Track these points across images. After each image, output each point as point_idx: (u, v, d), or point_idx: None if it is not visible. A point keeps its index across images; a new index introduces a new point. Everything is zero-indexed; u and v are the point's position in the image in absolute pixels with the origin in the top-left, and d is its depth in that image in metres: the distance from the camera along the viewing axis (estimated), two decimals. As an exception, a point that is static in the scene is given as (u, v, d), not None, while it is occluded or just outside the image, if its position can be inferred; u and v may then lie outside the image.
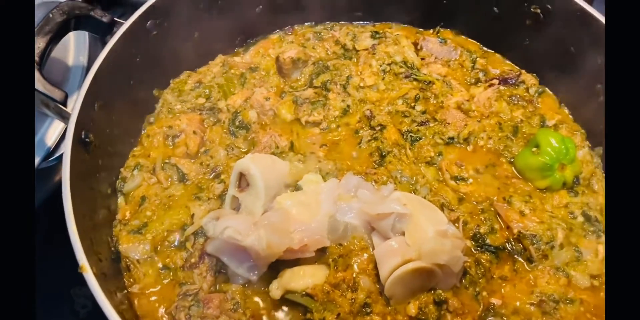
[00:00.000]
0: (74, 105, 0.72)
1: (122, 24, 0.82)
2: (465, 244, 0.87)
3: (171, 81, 1.03)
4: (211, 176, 0.94)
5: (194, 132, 0.97)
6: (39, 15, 0.74)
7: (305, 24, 1.18)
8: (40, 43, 0.71)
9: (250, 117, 1.01)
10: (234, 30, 1.09)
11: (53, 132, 0.83)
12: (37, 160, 0.81)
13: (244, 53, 1.12)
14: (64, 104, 0.73)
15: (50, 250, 1.03)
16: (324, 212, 0.87)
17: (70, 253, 1.01)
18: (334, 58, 1.13)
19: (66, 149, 0.69)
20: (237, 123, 1.01)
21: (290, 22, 1.16)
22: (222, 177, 0.94)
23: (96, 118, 0.78)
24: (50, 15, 0.72)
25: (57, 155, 0.83)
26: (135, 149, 0.95)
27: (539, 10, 1.00)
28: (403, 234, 0.84)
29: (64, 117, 0.75)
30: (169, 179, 0.92)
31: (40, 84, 0.70)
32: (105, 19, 0.80)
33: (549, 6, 0.98)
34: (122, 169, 0.91)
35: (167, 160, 0.94)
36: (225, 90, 1.04)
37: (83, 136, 0.74)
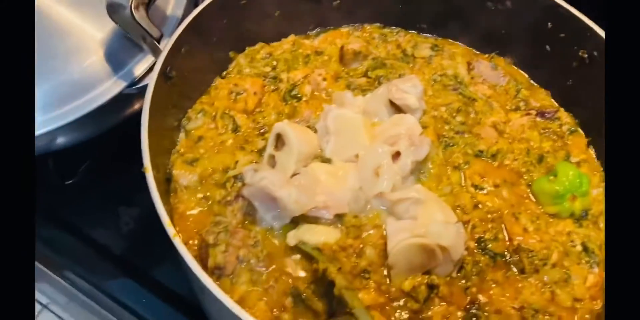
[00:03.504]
0: (166, 44, 0.85)
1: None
2: (467, 242, 0.96)
3: (247, 48, 1.16)
4: (257, 132, 1.06)
5: (255, 93, 1.09)
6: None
7: (375, 24, 1.29)
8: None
9: (305, 91, 1.13)
10: (311, 17, 1.22)
11: (141, 66, 0.96)
12: (122, 86, 0.93)
13: (315, 38, 1.24)
14: (159, 41, 0.85)
15: (108, 173, 1.18)
16: (349, 185, 0.97)
17: (124, 176, 1.15)
18: (392, 59, 1.24)
19: (152, 77, 0.82)
20: (292, 93, 1.12)
21: (362, 20, 1.28)
22: (266, 135, 1.05)
23: (180, 60, 0.90)
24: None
25: (139, 85, 0.95)
26: (203, 96, 1.08)
27: (586, 55, 1.09)
28: (415, 218, 0.94)
29: (156, 52, 0.88)
30: (225, 127, 1.04)
31: (144, 21, 0.82)
32: None
33: (595, 53, 1.07)
34: (189, 110, 1.04)
35: (226, 111, 1.06)
36: (290, 65, 1.16)
37: (167, 71, 0.87)
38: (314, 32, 1.25)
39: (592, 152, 1.16)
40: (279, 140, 0.98)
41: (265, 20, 1.13)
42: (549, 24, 1.12)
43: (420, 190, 0.97)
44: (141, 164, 0.80)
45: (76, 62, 0.91)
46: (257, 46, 1.17)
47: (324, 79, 1.14)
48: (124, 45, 0.96)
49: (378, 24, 1.29)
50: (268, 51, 1.17)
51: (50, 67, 0.89)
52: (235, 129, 1.04)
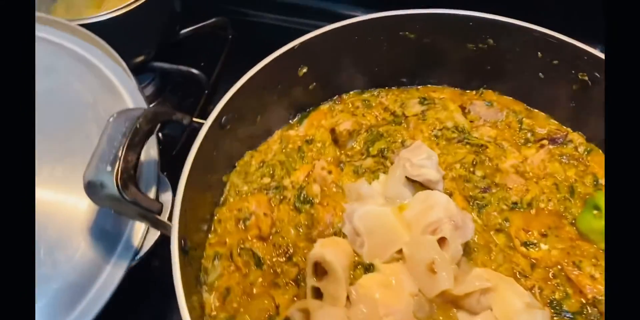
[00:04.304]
0: (172, 217, 0.72)
1: (200, 123, 0.83)
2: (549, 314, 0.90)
3: (236, 164, 1.04)
4: (284, 259, 0.94)
5: (265, 214, 0.97)
6: (122, 124, 0.73)
7: (352, 91, 1.20)
8: (132, 156, 0.70)
9: (314, 192, 1.02)
10: (289, 107, 1.11)
11: (137, 233, 0.82)
12: (125, 266, 0.80)
13: (298, 126, 1.13)
14: (160, 213, 0.72)
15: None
16: (408, 292, 0.88)
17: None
18: (384, 124, 1.15)
19: (175, 265, 0.69)
20: (302, 199, 1.01)
21: (338, 91, 1.18)
22: (294, 259, 0.94)
23: (187, 223, 0.78)
24: (138, 126, 0.72)
25: (141, 254, 0.82)
26: (210, 236, 0.95)
27: (587, 78, 1.04)
28: (489, 308, 0.87)
29: (161, 225, 0.75)
30: (247, 266, 0.92)
31: (139, 198, 0.69)
32: (185, 121, 0.81)
33: (597, 74, 1.02)
34: (202, 260, 0.91)
35: (242, 246, 0.94)
36: (288, 167, 1.05)
37: (183, 245, 0.74)
38: (295, 119, 1.14)
39: (615, 167, 1.12)
40: (318, 268, 0.88)
41: (249, 129, 1.02)
42: (539, 53, 1.06)
43: (482, 276, 0.89)
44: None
45: (66, 259, 0.77)
46: (246, 157, 1.05)
47: (329, 172, 1.04)
48: (110, 216, 0.82)
49: (355, 91, 1.20)
50: (259, 160, 1.05)
51: (39, 278, 0.74)
52: (259, 262, 0.93)
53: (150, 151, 0.91)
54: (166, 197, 0.90)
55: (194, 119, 0.83)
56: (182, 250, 0.74)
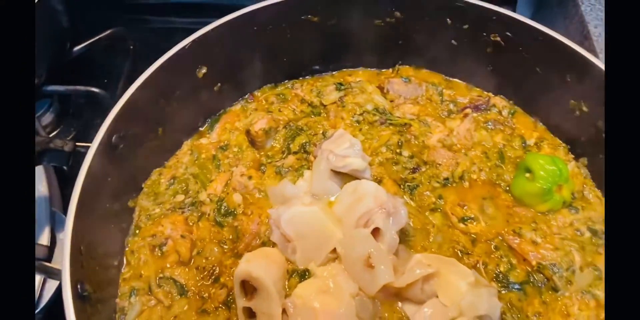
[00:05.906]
0: (62, 261, 0.63)
1: (86, 147, 0.73)
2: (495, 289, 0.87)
3: (143, 185, 0.95)
4: (210, 281, 0.87)
5: (182, 236, 0.89)
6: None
7: (264, 87, 1.13)
8: None
9: (235, 202, 0.95)
10: (196, 113, 1.02)
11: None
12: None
13: (210, 132, 1.05)
14: (49, 259, 0.64)
15: None
16: (348, 293, 0.83)
17: None
18: (302, 117, 1.09)
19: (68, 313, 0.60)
20: (222, 211, 0.94)
21: (249, 89, 1.11)
22: (222, 279, 0.87)
23: (84, 263, 0.69)
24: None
25: (40, 307, 0.73)
26: (123, 271, 0.86)
27: (499, 39, 1.01)
28: (434, 295, 0.83)
29: (51, 272, 0.66)
30: (169, 297, 0.84)
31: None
32: (67, 148, 0.71)
33: (508, 33, 0.98)
34: (117, 300, 0.82)
35: (161, 275, 0.86)
36: (202, 179, 0.97)
37: (80, 291, 0.65)
38: (205, 125, 1.06)
39: (541, 125, 1.10)
40: (247, 285, 0.81)
41: (151, 145, 0.93)
42: (448, 19, 1.02)
43: (422, 261, 0.85)
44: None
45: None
46: (154, 176, 0.96)
47: (249, 177, 0.97)
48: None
49: (268, 86, 1.13)
50: (169, 176, 0.97)
51: None
52: (182, 290, 0.85)
53: (38, 187, 0.82)
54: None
55: (78, 144, 0.73)
56: (80, 298, 0.65)
